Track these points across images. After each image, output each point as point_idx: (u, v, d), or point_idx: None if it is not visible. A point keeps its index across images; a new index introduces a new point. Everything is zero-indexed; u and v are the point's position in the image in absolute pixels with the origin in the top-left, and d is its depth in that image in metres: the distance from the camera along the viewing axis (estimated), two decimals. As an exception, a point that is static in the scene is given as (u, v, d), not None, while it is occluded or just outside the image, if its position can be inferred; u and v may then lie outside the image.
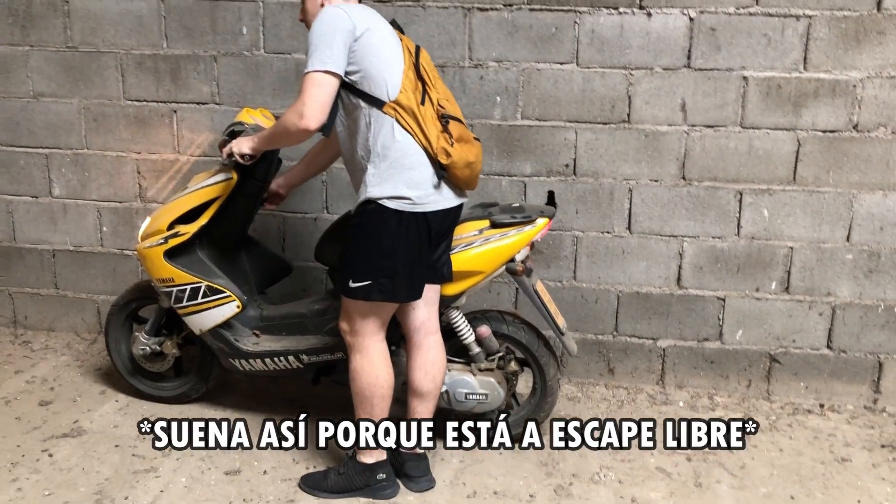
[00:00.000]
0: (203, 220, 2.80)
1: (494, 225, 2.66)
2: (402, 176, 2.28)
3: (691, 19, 3.11)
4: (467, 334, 2.78)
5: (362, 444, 2.53)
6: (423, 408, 2.60)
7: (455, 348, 2.82)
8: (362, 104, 2.30)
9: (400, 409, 2.68)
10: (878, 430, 3.17)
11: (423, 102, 2.31)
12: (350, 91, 2.31)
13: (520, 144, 3.31)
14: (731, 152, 3.20)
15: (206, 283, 2.81)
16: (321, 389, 3.26)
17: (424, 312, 2.54)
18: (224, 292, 2.82)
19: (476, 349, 2.81)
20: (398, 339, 2.73)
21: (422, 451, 2.65)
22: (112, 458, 2.78)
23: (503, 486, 2.69)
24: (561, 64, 3.22)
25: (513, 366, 2.86)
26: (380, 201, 2.29)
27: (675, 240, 3.31)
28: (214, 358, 3.07)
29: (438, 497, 2.61)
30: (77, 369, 3.48)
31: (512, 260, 2.70)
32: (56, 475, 2.66)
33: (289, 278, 3.22)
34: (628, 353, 3.46)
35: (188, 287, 2.82)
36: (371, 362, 2.45)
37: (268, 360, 2.87)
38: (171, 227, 2.83)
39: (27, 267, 3.79)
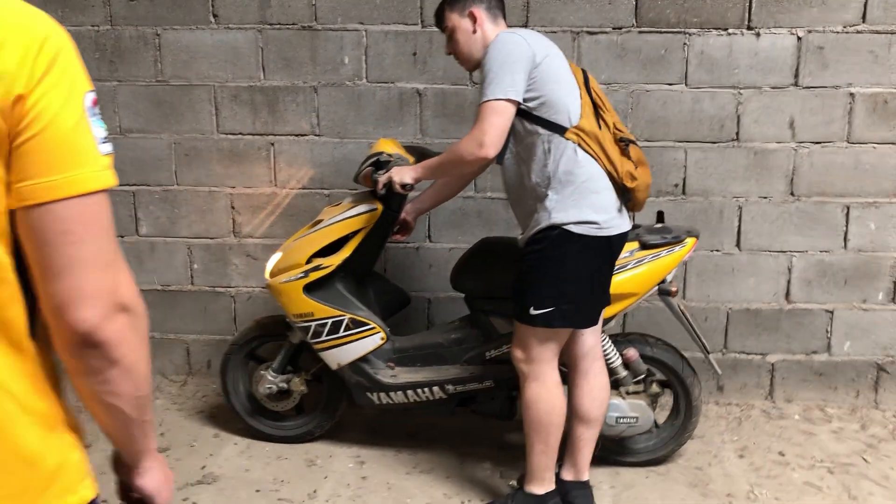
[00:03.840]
0: (346, 251, 2.73)
1: (644, 246, 2.66)
2: (587, 200, 2.26)
3: (799, 38, 3.17)
4: (614, 358, 2.76)
5: (537, 474, 2.48)
6: (590, 434, 2.56)
7: (600, 372, 2.79)
8: (540, 130, 2.28)
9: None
10: None
11: (599, 127, 2.31)
12: (525, 118, 2.29)
13: (627, 166, 3.32)
14: (837, 167, 3.26)
15: (348, 315, 2.74)
16: (441, 421, 3.23)
17: (592, 338, 2.51)
18: (368, 324, 2.76)
19: (623, 372, 2.79)
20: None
21: (587, 478, 2.61)
22: (259, 503, 2.68)
23: (665, 509, 2.66)
24: (670, 85, 3.25)
25: (655, 387, 2.85)
26: (565, 226, 2.26)
27: (784, 255, 3.35)
28: (342, 394, 3.00)
29: (607, 524, 2.58)
30: (178, 413, 3.36)
31: (663, 281, 2.70)
32: (212, 524, 2.56)
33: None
34: (737, 370, 3.47)
35: (329, 321, 2.74)
36: (549, 390, 2.41)
37: (409, 392, 2.81)
38: (309, 260, 2.76)
39: (111, 309, 3.65)
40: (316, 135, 3.40)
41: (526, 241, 2.38)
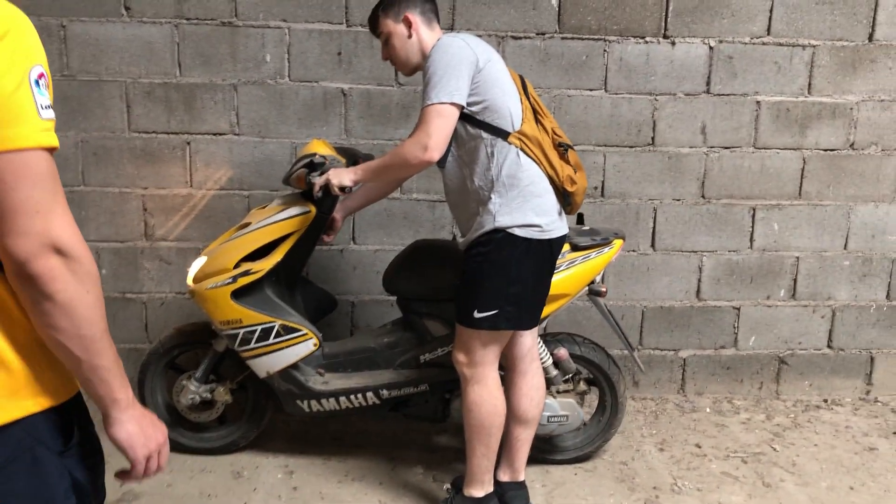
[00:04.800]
0: (278, 255, 2.65)
1: (575, 248, 2.71)
2: (530, 203, 2.28)
3: (711, 48, 3.32)
4: (546, 357, 2.81)
5: (477, 477, 2.49)
6: (527, 434, 2.59)
7: (531, 372, 2.83)
8: (483, 134, 2.28)
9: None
10: (881, 418, 3.49)
11: (539, 132, 2.33)
12: (468, 122, 2.29)
13: (549, 169, 3.38)
14: (745, 171, 3.44)
15: (279, 322, 2.66)
16: (368, 426, 3.21)
17: (530, 339, 2.55)
18: (300, 330, 2.69)
19: (554, 371, 2.84)
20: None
21: (523, 479, 2.64)
22: (187, 519, 2.57)
23: (596, 505, 2.73)
24: (590, 90, 3.33)
25: (582, 385, 2.92)
26: (509, 230, 2.27)
27: (695, 255, 3.51)
28: (268, 402, 2.91)
29: (543, 523, 2.62)
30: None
31: (592, 281, 2.77)
32: (137, 544, 2.43)
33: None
34: (652, 366, 3.60)
35: (258, 327, 2.66)
36: (490, 392, 2.42)
37: (342, 399, 2.76)
38: (237, 265, 2.66)
39: (9, 318, 3.40)
40: (235, 134, 3.29)
41: (469, 243, 2.38)
